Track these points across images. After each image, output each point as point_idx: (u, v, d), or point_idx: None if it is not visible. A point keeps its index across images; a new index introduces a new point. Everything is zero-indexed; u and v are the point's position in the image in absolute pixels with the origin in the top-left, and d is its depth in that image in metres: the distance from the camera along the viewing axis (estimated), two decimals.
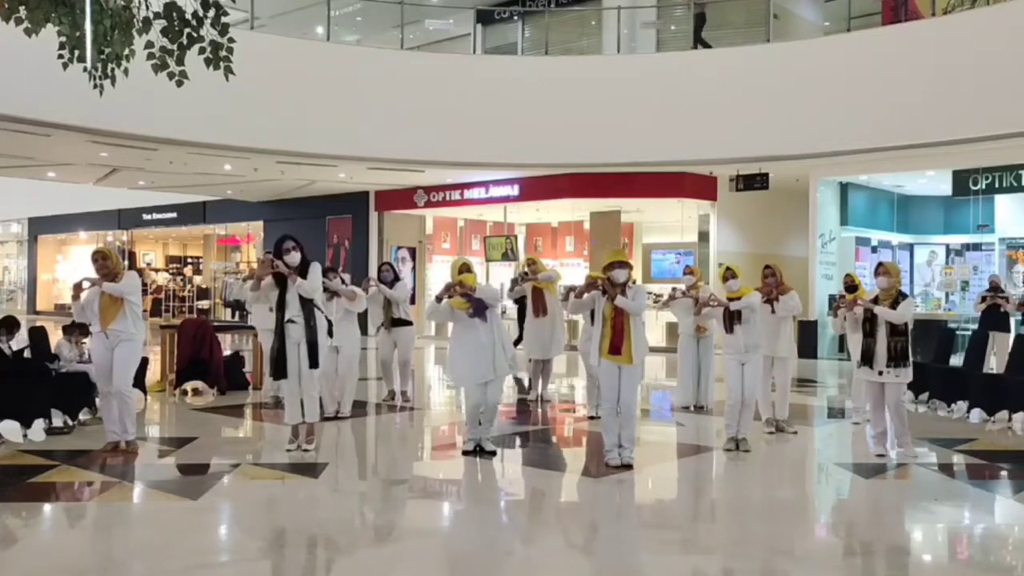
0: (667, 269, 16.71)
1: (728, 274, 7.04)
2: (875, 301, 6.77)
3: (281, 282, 6.50)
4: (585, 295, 6.30)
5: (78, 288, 6.70)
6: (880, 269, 6.92)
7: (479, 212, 19.24)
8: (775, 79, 13.67)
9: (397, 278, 9.31)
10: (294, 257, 6.52)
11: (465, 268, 6.71)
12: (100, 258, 6.65)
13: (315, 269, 6.62)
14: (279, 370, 6.52)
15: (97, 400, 7.97)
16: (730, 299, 6.98)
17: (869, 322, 6.70)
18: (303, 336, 6.49)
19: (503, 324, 6.78)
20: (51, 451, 6.56)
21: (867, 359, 6.72)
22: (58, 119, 11.89)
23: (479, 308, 6.48)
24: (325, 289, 7.26)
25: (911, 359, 6.72)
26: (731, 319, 6.92)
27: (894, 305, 6.64)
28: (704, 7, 15.22)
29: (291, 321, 6.48)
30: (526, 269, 9.57)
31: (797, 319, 8.42)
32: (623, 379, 6.18)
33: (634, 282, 6.62)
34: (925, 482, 6.27)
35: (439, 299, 6.49)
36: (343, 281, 8.32)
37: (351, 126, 14.22)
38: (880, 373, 6.67)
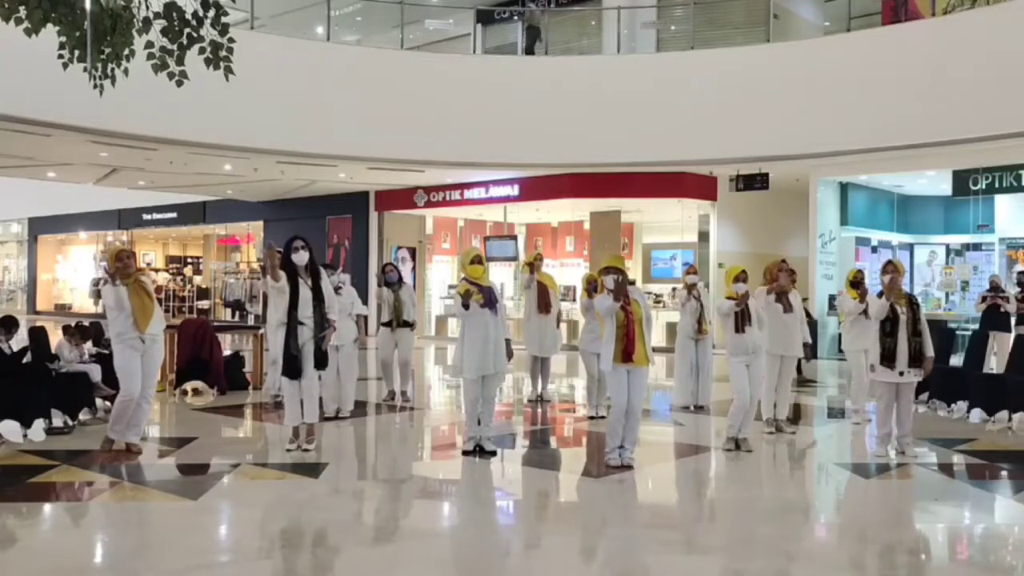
0: (663, 269, 16.73)
1: (742, 276, 6.99)
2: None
3: (293, 283, 6.54)
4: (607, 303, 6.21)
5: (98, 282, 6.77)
6: (889, 267, 6.85)
7: (479, 212, 19.24)
8: (775, 79, 13.66)
9: (401, 279, 9.35)
10: (303, 256, 6.60)
11: (476, 259, 6.72)
12: (125, 257, 6.66)
13: (326, 281, 6.78)
14: (293, 370, 6.54)
15: (97, 400, 7.99)
16: (736, 299, 6.94)
17: (890, 322, 6.64)
18: (312, 337, 6.55)
19: (506, 323, 6.80)
20: (51, 451, 6.55)
21: (889, 358, 6.65)
22: (58, 119, 11.88)
23: (490, 298, 6.54)
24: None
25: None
26: (743, 320, 6.90)
27: (911, 305, 6.64)
28: (537, 22, 15.66)
29: (301, 323, 6.52)
30: (529, 273, 9.56)
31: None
32: (632, 383, 6.19)
33: (632, 282, 6.62)
34: (925, 482, 6.27)
35: (466, 307, 6.49)
36: (341, 281, 8.37)
37: (351, 126, 14.22)
38: (901, 374, 6.65)
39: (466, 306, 6.45)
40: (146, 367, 6.63)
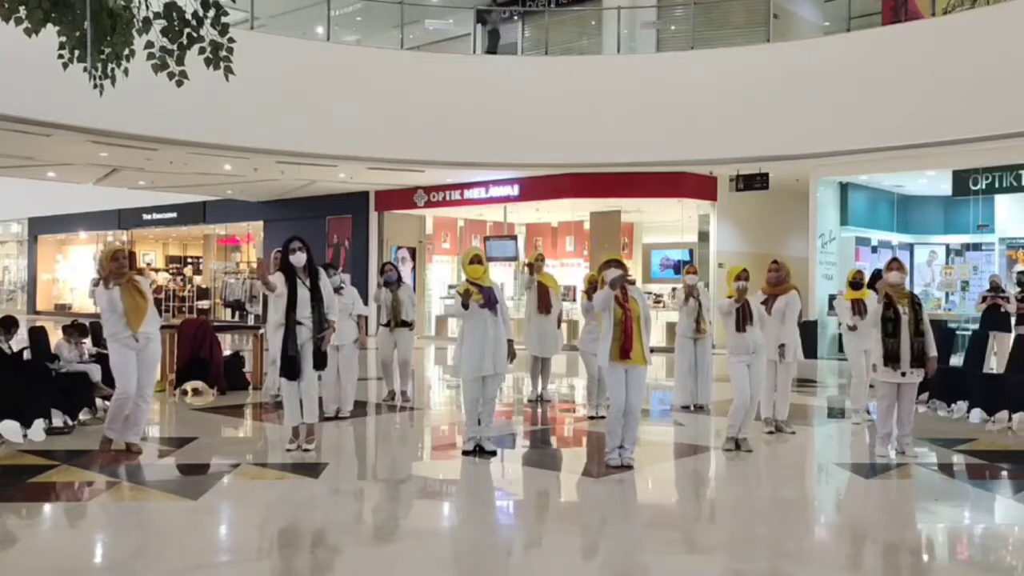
0: (664, 271, 16.77)
1: (743, 275, 6.98)
2: (889, 299, 6.70)
3: (291, 284, 6.54)
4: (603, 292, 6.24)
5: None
6: (894, 264, 6.85)
7: (479, 212, 19.24)
8: (775, 79, 13.66)
9: (400, 279, 9.37)
10: (300, 257, 6.59)
11: (476, 259, 6.72)
12: (121, 257, 6.65)
13: (326, 281, 6.76)
14: (291, 371, 6.53)
15: (97, 400, 7.99)
16: (735, 296, 6.94)
17: (892, 322, 6.64)
18: (310, 337, 6.55)
19: (510, 324, 6.79)
20: (51, 451, 6.55)
21: (891, 359, 6.64)
22: (58, 119, 11.88)
23: (490, 299, 6.53)
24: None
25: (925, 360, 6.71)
26: (744, 318, 6.89)
27: (913, 305, 6.64)
28: (497, 25, 15.96)
29: (299, 323, 6.51)
30: (529, 274, 9.59)
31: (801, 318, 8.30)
32: (630, 382, 6.18)
33: (632, 282, 6.61)
34: (925, 482, 6.27)
35: (465, 306, 6.50)
36: (342, 281, 8.37)
37: (351, 126, 14.22)
38: (903, 374, 6.65)
39: (465, 306, 6.45)
40: (142, 366, 6.63)
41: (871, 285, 8.49)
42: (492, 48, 15.96)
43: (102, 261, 6.75)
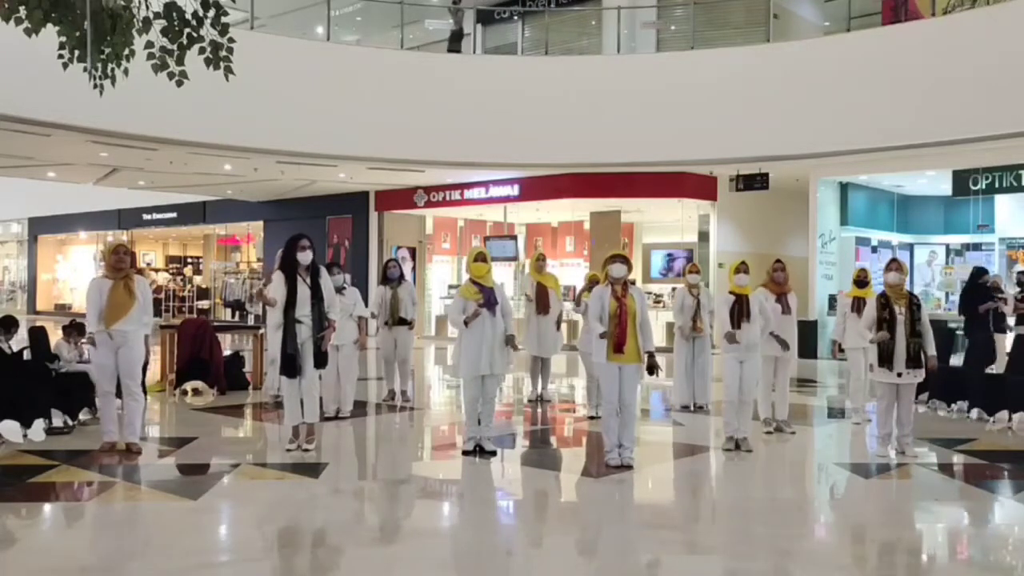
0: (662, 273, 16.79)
1: (742, 267, 7.00)
2: (886, 299, 6.72)
3: (291, 282, 6.54)
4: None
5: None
6: (893, 264, 6.87)
7: (479, 212, 19.25)
8: (775, 79, 13.66)
9: (403, 276, 9.38)
10: (308, 255, 6.59)
11: (480, 257, 6.72)
12: (123, 252, 6.66)
13: (327, 279, 6.76)
14: (291, 369, 6.53)
15: (97, 400, 7.99)
16: (737, 294, 6.95)
17: (888, 323, 6.65)
18: (310, 336, 6.54)
19: (511, 320, 6.77)
20: (51, 451, 6.55)
21: (886, 360, 6.66)
22: (58, 119, 11.88)
23: (490, 299, 6.53)
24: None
25: (924, 360, 6.71)
26: (740, 316, 6.88)
27: (911, 306, 6.64)
28: (461, 26, 15.86)
29: (299, 321, 6.51)
30: (531, 274, 9.60)
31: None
32: (624, 379, 6.18)
33: (632, 282, 6.61)
34: (925, 482, 6.27)
35: (467, 323, 6.50)
36: (345, 281, 8.37)
37: (351, 126, 14.22)
38: (899, 375, 6.65)
39: (467, 323, 6.45)
40: (121, 364, 6.60)
41: None
42: (454, 48, 15.84)
43: (104, 254, 6.77)
